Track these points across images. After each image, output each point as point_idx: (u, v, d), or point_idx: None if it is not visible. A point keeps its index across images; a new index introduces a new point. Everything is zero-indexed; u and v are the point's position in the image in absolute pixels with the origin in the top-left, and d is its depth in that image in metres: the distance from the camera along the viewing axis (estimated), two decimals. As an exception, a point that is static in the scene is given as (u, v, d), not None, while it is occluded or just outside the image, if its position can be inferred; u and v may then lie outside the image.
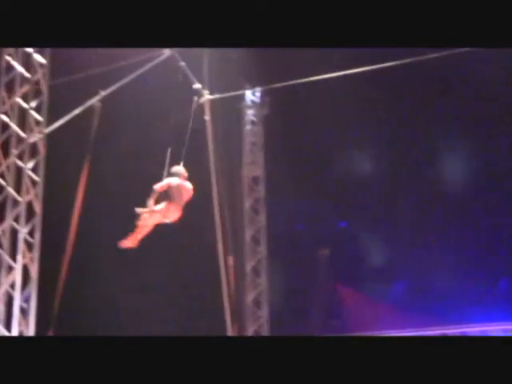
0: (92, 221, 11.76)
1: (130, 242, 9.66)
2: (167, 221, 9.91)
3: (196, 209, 10.23)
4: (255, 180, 15.22)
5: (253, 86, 15.02)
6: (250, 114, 15.39)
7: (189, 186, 10.08)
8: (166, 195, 9.81)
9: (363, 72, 11.13)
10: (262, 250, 14.97)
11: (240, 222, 14.76)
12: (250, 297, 14.59)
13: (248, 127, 15.38)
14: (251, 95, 15.34)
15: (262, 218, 15.08)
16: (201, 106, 11.28)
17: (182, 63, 11.25)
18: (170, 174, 9.98)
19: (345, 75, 11.23)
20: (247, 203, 15.05)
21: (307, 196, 15.82)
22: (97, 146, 10.86)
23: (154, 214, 9.67)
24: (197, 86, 11.39)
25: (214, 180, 11.46)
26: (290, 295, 15.47)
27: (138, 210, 9.59)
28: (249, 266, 14.80)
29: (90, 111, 10.85)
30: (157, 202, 9.76)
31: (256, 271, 14.89)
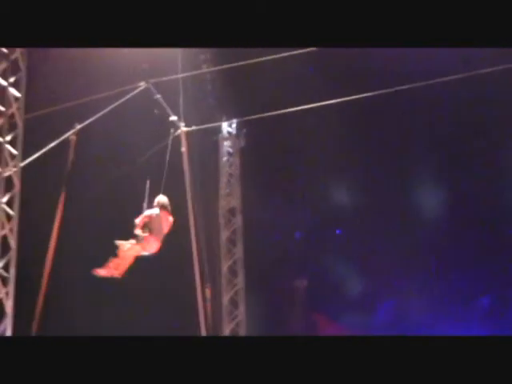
0: (68, 255, 11.62)
1: (104, 271, 9.59)
2: (146, 253, 9.86)
3: (174, 241, 10.12)
4: (232, 211, 15.18)
5: (229, 118, 15.06)
6: (226, 145, 15.40)
7: (169, 218, 10.04)
8: (146, 227, 9.77)
9: (337, 103, 11.16)
10: (240, 281, 14.90)
11: (217, 253, 14.70)
12: (227, 328, 14.48)
13: (225, 159, 15.39)
14: (228, 127, 15.36)
15: (239, 250, 15.03)
16: (177, 138, 11.24)
17: (158, 95, 11.21)
18: (152, 205, 9.94)
19: (320, 106, 11.27)
20: (224, 235, 15.00)
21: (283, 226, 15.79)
22: (72, 179, 10.78)
23: (133, 247, 9.64)
24: (173, 118, 11.36)
25: (190, 212, 11.39)
26: (267, 326, 15.36)
27: (118, 242, 9.56)
28: (226, 298, 14.71)
29: (65, 144, 10.79)
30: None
31: (233, 302, 14.79)
